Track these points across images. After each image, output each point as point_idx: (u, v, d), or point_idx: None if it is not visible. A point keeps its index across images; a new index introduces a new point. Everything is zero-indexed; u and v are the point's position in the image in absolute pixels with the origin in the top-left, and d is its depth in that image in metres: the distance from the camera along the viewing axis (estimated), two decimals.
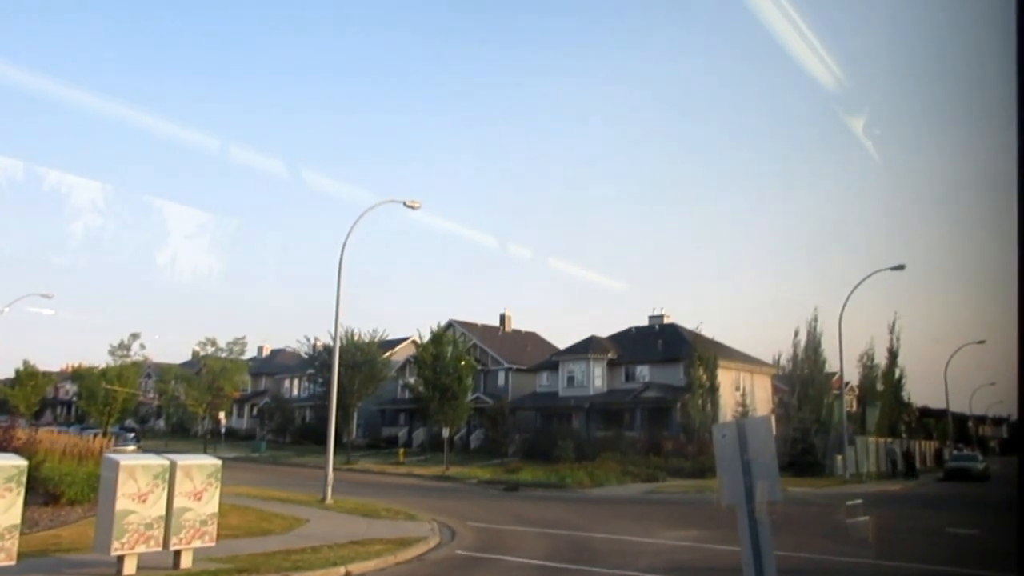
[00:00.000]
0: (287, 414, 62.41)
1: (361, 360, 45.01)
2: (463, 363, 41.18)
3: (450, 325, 59.81)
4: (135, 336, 31.29)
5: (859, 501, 32.43)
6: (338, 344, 23.22)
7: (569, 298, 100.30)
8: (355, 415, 63.61)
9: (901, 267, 36.18)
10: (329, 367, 45.96)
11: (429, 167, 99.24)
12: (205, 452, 54.28)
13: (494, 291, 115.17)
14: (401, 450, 46.14)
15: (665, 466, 37.59)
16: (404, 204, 25.29)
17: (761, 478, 7.50)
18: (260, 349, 72.05)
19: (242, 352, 26.80)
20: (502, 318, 62.28)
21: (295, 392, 62.32)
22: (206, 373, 27.93)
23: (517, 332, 62.37)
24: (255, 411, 66.17)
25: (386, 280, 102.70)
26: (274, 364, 69.71)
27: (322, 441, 53.16)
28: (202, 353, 26.59)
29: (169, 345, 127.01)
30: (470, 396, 55.29)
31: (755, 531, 7.41)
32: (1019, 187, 1.47)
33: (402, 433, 57.47)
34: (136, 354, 31.21)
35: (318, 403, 50.42)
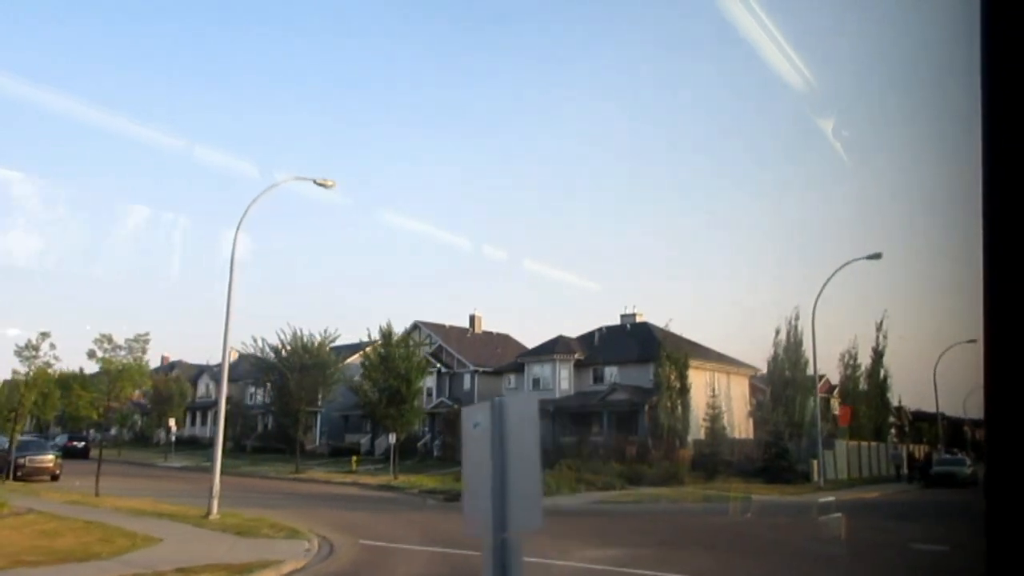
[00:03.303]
0: (249, 421, 59.87)
1: (310, 363, 42.37)
2: (414, 364, 38.53)
3: (415, 326, 57.38)
4: (44, 335, 28.58)
5: (831, 498, 30.30)
6: (227, 347, 20.64)
7: (544, 299, 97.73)
8: (317, 421, 61.27)
9: (878, 255, 33.61)
10: (275, 369, 43.70)
11: (403, 169, 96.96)
12: (165, 461, 51.81)
13: (469, 293, 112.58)
14: (354, 458, 43.46)
15: (628, 472, 34.96)
16: (315, 182, 22.76)
17: (518, 495, 4.92)
18: (228, 354, 69.42)
19: (143, 351, 24.32)
20: (472, 319, 59.70)
21: (259, 398, 59.76)
22: (103, 375, 25.46)
23: (488, 334, 59.78)
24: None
25: (358, 283, 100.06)
26: (240, 370, 67.21)
27: (281, 449, 51.18)
28: (100, 353, 24.13)
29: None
30: (435, 400, 52.94)
31: (506, 563, 4.81)
32: (984, 187, 1.47)
33: (365, 440, 54.81)
34: (45, 355, 28.59)
35: (275, 409, 47.73)
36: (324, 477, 39.60)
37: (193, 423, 68.44)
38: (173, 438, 52.48)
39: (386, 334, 38.85)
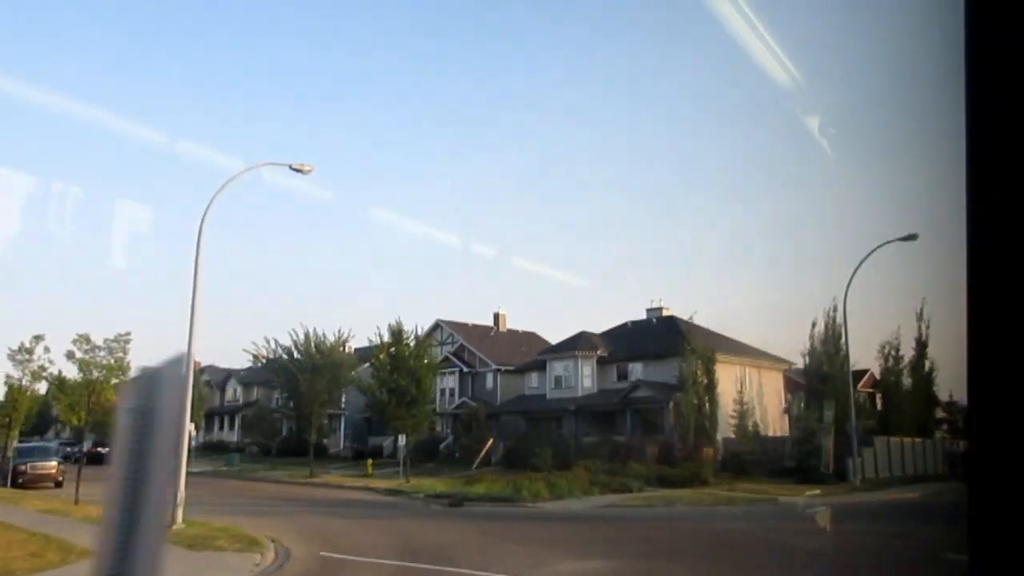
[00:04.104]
0: (273, 424, 59.15)
1: (323, 364, 41.15)
2: (424, 363, 37.02)
3: (437, 326, 56.06)
4: (38, 338, 27.80)
5: (817, 491, 28.59)
6: (192, 347, 19.30)
7: (567, 297, 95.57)
8: (341, 424, 60.29)
9: (913, 236, 31.09)
10: (287, 371, 42.57)
11: (393, 166, 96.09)
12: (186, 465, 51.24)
13: (493, 293, 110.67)
14: (369, 461, 42.13)
15: (649, 473, 32.99)
16: (290, 167, 21.38)
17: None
18: (255, 358, 69.06)
19: (124, 352, 23.25)
20: (496, 317, 58.08)
21: (283, 402, 59.01)
22: (81, 378, 24.55)
23: (513, 332, 58.09)
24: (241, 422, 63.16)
25: (352, 282, 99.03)
26: (267, 374, 66.66)
27: (300, 453, 50.15)
28: (78, 355, 23.15)
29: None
30: (456, 400, 51.45)
31: None
32: (967, 185, 1.50)
33: (388, 443, 53.47)
34: (40, 358, 27.81)
35: (289, 413, 46.68)
36: (337, 481, 38.36)
37: (221, 427, 68.10)
38: (193, 443, 51.77)
39: (396, 332, 37.42)
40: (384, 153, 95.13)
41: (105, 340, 23.46)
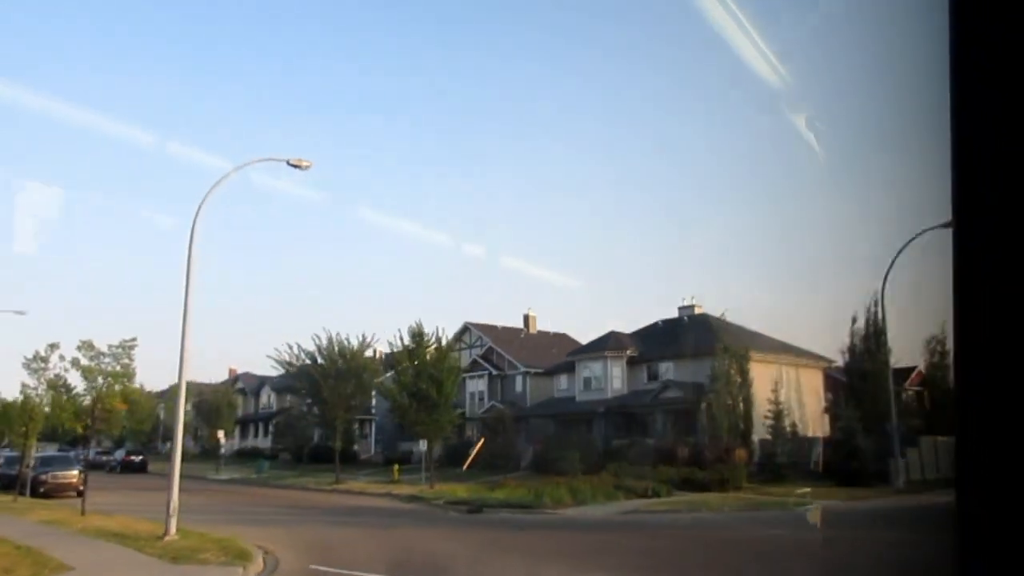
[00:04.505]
0: (303, 431, 58.87)
1: (346, 369, 40.57)
2: (446, 366, 36.14)
3: (465, 328, 55.25)
4: (53, 347, 27.54)
5: (807, 490, 27.36)
6: (185, 353, 18.57)
7: (597, 297, 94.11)
8: (372, 429, 59.79)
9: (951, 224, 29.21)
10: (309, 376, 42.08)
11: (385, 168, 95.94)
12: (216, 473, 51.20)
13: (516, 294, 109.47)
14: (396, 467, 41.40)
15: (679, 477, 31.68)
16: (288, 163, 20.63)
17: None
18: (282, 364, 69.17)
19: (129, 358, 22.69)
20: (526, 319, 57.07)
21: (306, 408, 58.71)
22: (86, 386, 24.11)
23: (543, 334, 57.01)
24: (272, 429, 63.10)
25: (388, 290, 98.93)
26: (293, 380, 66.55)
27: (331, 459, 49.69)
28: (83, 361, 22.70)
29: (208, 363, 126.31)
30: (486, 404, 50.52)
31: None
32: (952, 185, 1.53)
33: (417, 448, 52.72)
34: (55, 367, 27.55)
35: (314, 419, 46.21)
36: (361, 488, 37.69)
37: (255, 434, 68.16)
38: (223, 450, 51.82)
39: (417, 335, 36.61)
40: (379, 155, 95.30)
41: (110, 346, 23.00)
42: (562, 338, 56.79)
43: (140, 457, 55.14)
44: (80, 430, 27.43)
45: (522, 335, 55.40)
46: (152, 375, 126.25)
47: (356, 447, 56.56)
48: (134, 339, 23.61)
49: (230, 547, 16.52)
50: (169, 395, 60.02)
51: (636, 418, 41.24)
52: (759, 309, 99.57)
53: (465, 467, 37.21)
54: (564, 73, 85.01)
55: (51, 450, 68.60)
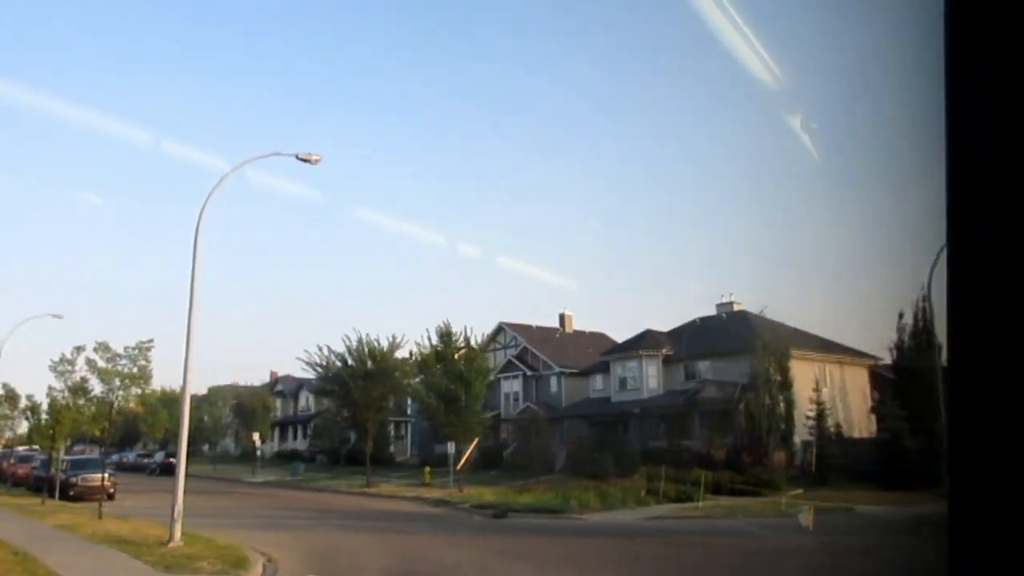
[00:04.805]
0: (340, 433, 58.71)
1: (375, 370, 40.06)
2: (473, 365, 35.37)
3: (500, 328, 54.47)
4: (79, 349, 27.49)
5: (800, 491, 26.18)
6: (190, 355, 18.04)
7: (638, 296, 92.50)
8: (407, 431, 59.37)
9: None
10: (339, 378, 41.68)
11: (377, 166, 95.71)
12: (253, 476, 51.23)
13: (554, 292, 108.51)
14: (426, 470, 40.73)
15: (714, 480, 30.43)
16: (297, 157, 20.05)
17: None
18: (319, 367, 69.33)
19: (146, 360, 22.39)
20: (561, 319, 56.05)
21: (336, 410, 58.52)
22: (102, 391, 23.87)
23: (580, 333, 55.93)
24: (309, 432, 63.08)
25: (416, 292, 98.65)
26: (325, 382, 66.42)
27: (361, 461, 49.31)
28: (100, 364, 22.46)
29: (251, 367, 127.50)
30: (520, 405, 49.65)
31: None
32: (947, 186, 1.53)
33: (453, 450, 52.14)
34: (80, 369, 27.49)
35: (344, 421, 45.82)
36: (391, 491, 37.16)
37: (294, 437, 68.32)
38: (259, 452, 51.85)
39: (444, 335, 35.92)
40: (378, 155, 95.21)
41: (125, 348, 22.74)
42: (599, 337, 55.64)
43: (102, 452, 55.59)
44: (98, 432, 27.32)
45: (557, 335, 54.43)
46: (194, 377, 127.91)
47: (392, 449, 56.19)
48: (150, 341, 23.39)
49: (231, 554, 15.99)
50: (208, 398, 60.44)
51: (672, 419, 39.96)
52: (800, 305, 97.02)
53: (459, 467, 36.58)
54: (561, 73, 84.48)
55: (93, 453, 69.84)
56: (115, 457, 64.04)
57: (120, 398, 23.38)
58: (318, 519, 25.19)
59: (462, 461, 40.69)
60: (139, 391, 23.90)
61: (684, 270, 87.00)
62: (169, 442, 64.32)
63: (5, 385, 34.97)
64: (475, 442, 42.16)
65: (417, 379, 38.43)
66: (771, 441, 34.05)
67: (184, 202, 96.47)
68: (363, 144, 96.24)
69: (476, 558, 16.32)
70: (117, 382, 23.08)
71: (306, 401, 68.99)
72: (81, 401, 25.79)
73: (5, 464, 41.95)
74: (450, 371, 35.01)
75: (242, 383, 69.30)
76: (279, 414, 71.13)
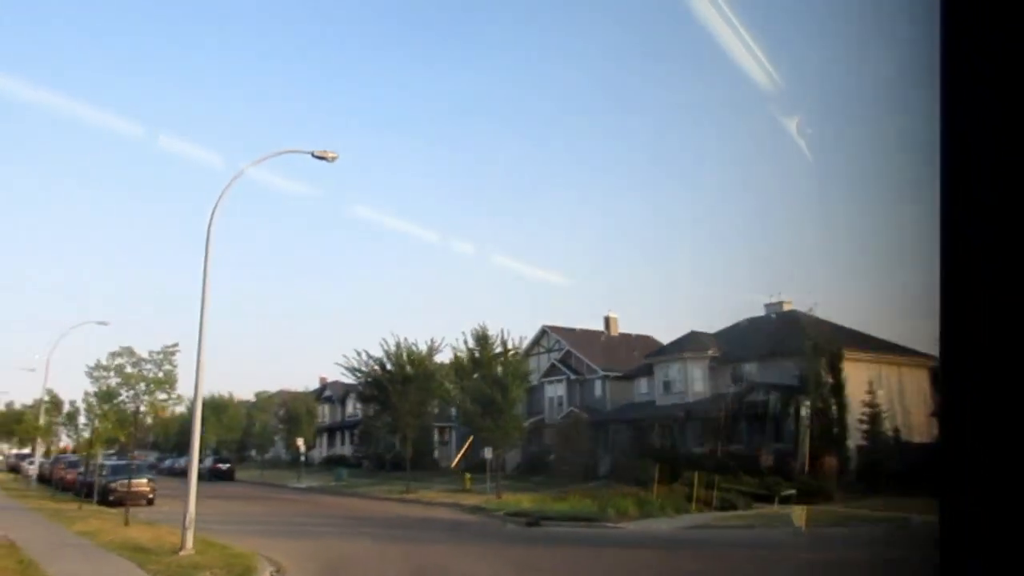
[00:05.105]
0: (383, 439, 58.54)
1: (414, 375, 39.56)
2: (512, 370, 34.57)
3: (543, 332, 53.58)
4: (115, 355, 27.54)
5: (793, 491, 24.82)
6: (201, 361, 17.61)
7: (680, 294, 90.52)
8: (453, 437, 58.77)
9: None
10: (377, 383, 41.30)
11: (370, 164, 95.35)
12: (297, 481, 51.30)
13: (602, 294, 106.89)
14: (467, 476, 40.02)
15: (762, 487, 29.05)
16: (312, 155, 19.58)
17: None
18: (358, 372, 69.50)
19: (172, 364, 22.21)
20: (606, 321, 54.85)
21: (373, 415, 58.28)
22: (127, 396, 23.64)
23: (625, 336, 54.65)
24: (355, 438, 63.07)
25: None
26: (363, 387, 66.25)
27: (414, 467, 48.91)
28: (127, 368, 22.31)
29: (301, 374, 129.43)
30: (564, 410, 48.62)
31: None
32: (941, 184, 1.54)
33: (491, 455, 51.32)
34: (113, 375, 27.49)
35: (383, 426, 45.46)
36: (430, 497, 36.54)
37: (342, 442, 68.44)
38: (303, 458, 51.88)
39: (481, 338, 35.21)
40: (376, 156, 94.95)
41: (151, 352, 22.58)
42: (645, 340, 54.27)
43: (227, 465, 55.88)
44: (123, 438, 27.28)
45: (602, 338, 53.26)
46: (243, 383, 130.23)
47: (436, 455, 55.70)
48: (175, 345, 23.16)
49: (239, 563, 15.50)
50: (257, 404, 60.88)
51: (718, 423, 38.51)
52: (854, 303, 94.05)
53: (453, 465, 35.87)
54: (556, 73, 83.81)
55: (151, 458, 70.99)
56: (167, 462, 64.98)
57: (146, 403, 23.21)
58: (345, 526, 24.66)
59: (455, 459, 40.11)
60: (164, 396, 23.65)
61: (734, 270, 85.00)
62: (219, 448, 65.15)
63: (51, 392, 35.50)
64: (468, 443, 41.41)
65: (454, 384, 37.80)
66: (822, 446, 32.42)
67: (202, 205, 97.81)
68: (361, 145, 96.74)
69: (494, 571, 15.51)
70: (142, 386, 22.91)
71: (353, 407, 69.08)
72: (107, 406, 25.84)
73: (55, 470, 42.64)
74: (487, 375, 34.26)
75: (293, 388, 69.86)
76: (327, 419, 71.40)
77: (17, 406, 53.35)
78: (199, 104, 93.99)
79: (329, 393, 72.46)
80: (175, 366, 23.09)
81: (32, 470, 46.89)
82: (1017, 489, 1.39)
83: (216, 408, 65.37)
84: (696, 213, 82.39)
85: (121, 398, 25.38)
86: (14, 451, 67.02)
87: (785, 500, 25.05)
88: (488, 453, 34.97)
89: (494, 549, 19.33)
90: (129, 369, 22.88)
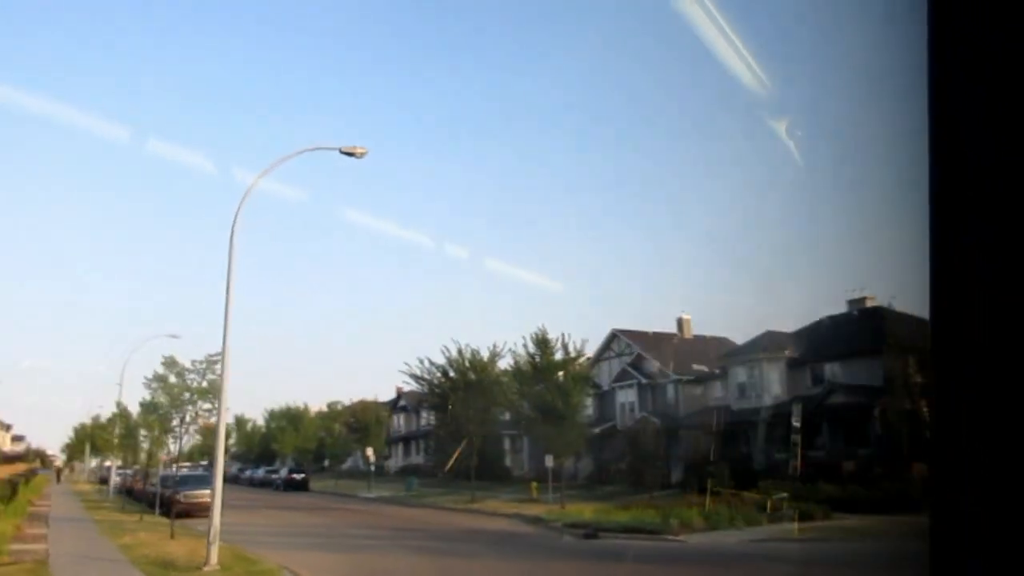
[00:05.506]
0: (453, 448, 57.92)
1: (476, 381, 38.68)
2: (573, 375, 33.23)
3: (613, 336, 51.97)
4: (171, 363, 27.59)
5: (784, 495, 22.55)
6: (228, 364, 16.99)
7: (680, 299, 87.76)
8: (524, 445, 57.61)
9: None
10: (440, 391, 40.57)
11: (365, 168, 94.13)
12: (368, 490, 51.10)
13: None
14: (534, 485, 38.79)
15: (844, 496, 26.90)
16: (340, 151, 18.86)
17: None
18: (420, 380, 69.27)
19: (213, 373, 21.86)
20: (679, 323, 52.81)
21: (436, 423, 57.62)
22: (167, 404, 23.34)
23: (699, 338, 52.45)
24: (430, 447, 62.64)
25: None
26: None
27: (487, 476, 48.00)
28: (171, 378, 22.13)
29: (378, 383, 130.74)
30: (636, 415, 46.90)
31: None
32: (930, 187, 1.55)
33: (569, 463, 49.90)
34: (177, 385, 27.52)
35: (444, 434, 44.67)
36: (494, 508, 35.51)
37: (417, 451, 68.25)
38: (372, 467, 51.67)
39: (541, 342, 33.98)
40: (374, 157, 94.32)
41: (193, 362, 22.33)
42: (722, 342, 51.91)
43: (302, 475, 56.17)
44: (169, 449, 27.21)
45: (675, 340, 51.22)
46: (317, 394, 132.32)
47: (508, 463, 54.70)
48: (218, 354, 22.72)
49: None
50: (331, 414, 61.22)
51: (796, 428, 36.19)
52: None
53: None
54: (548, 78, 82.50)
55: (233, 469, 72.34)
56: (247, 472, 66.06)
57: (190, 413, 23.03)
58: (393, 539, 23.84)
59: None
60: (209, 406, 23.34)
61: (813, 268, 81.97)
62: (299, 458, 65.91)
63: (121, 405, 36.22)
64: (459, 450, 40.00)
65: (515, 390, 36.71)
66: (910, 451, 29.89)
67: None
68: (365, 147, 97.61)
69: None
70: (186, 396, 22.71)
71: (427, 416, 68.88)
72: (152, 417, 25.86)
73: (133, 481, 43.53)
74: (547, 381, 33.03)
75: (367, 398, 70.22)
76: (402, 429, 71.38)
77: (103, 420, 55.10)
78: (192, 108, 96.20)
79: (404, 403, 72.49)
80: (219, 375, 22.74)
81: (116, 482, 48.18)
82: (1014, 489, 1.35)
83: (292, 419, 66.26)
84: (690, 217, 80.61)
85: (166, 409, 25.30)
86: (107, 463, 69.32)
87: (778, 502, 24.39)
88: (549, 461, 33.68)
89: (537, 564, 18.14)
90: (172, 379, 22.68)
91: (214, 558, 16.26)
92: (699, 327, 53.29)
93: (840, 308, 41.06)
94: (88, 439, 54.97)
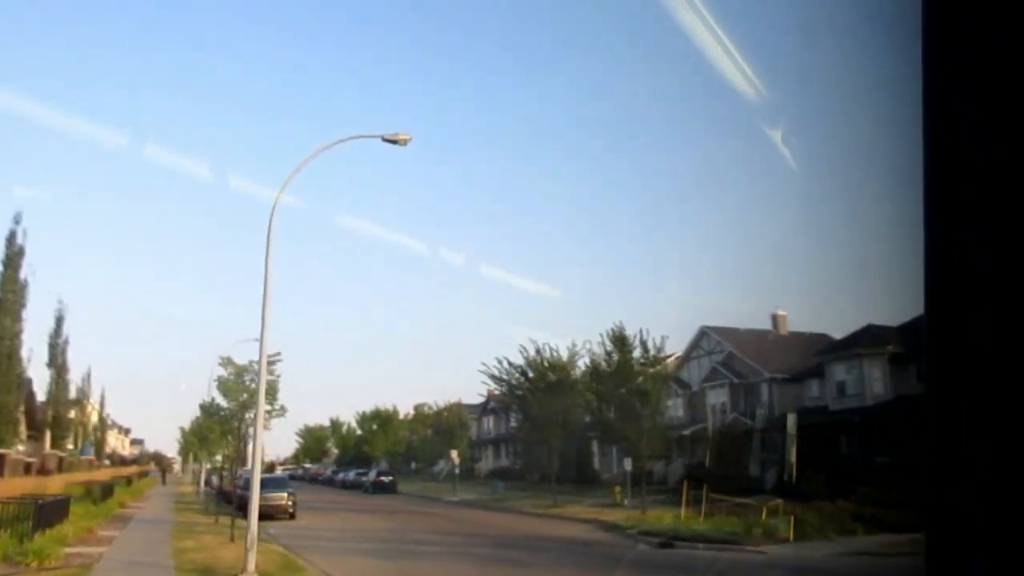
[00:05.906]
0: (540, 451, 56.85)
1: (555, 382, 37.46)
2: (652, 374, 31.56)
3: (703, 333, 49.74)
4: (227, 363, 27.67)
5: (780, 501, 21.26)
6: (264, 361, 16.35)
7: (677, 302, 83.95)
8: (613, 448, 55.88)
9: None
10: (520, 392, 39.49)
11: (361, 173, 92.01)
12: (453, 494, 50.63)
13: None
14: (617, 489, 37.20)
15: None
16: (383, 139, 18.03)
17: None
18: (499, 381, 68.48)
19: (273, 374, 21.47)
20: (774, 319, 50.01)
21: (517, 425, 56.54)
22: (233, 407, 23.01)
23: (796, 335, 49.49)
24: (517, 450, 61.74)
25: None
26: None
27: (578, 480, 46.70)
28: (230, 377, 21.92)
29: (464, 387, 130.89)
30: (728, 416, 44.62)
31: None
32: (924, 193, 1.55)
33: (659, 467, 47.97)
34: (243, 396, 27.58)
35: (525, 437, 43.60)
36: (573, 512, 34.23)
37: (506, 454, 67.61)
38: (456, 471, 51.16)
39: (618, 339, 32.44)
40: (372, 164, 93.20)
41: (250, 362, 22.05)
42: (820, 339, 48.85)
43: (390, 478, 56.24)
44: (228, 451, 27.10)
45: (769, 337, 48.51)
46: (408, 396, 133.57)
47: (597, 466, 53.15)
48: (277, 354, 22.43)
49: None
50: (415, 419, 61.24)
51: (903, 430, 33.28)
52: (841, 306, 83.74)
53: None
54: (544, 86, 79.87)
55: (328, 471, 73.43)
56: (340, 474, 66.84)
57: (249, 415, 22.75)
58: (456, 545, 22.89)
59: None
60: (268, 407, 23.04)
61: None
62: (391, 460, 66.28)
63: (202, 406, 36.72)
64: (538, 447, 38.42)
65: (592, 391, 35.27)
66: None
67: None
68: (354, 155, 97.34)
69: None
70: (244, 397, 22.48)
71: (516, 418, 68.12)
72: (212, 419, 25.84)
73: (222, 483, 44.37)
74: (625, 380, 31.48)
75: (455, 401, 70.08)
76: (492, 432, 70.80)
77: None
78: (187, 112, 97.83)
79: (493, 405, 71.97)
80: (277, 376, 22.49)
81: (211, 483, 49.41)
82: (1013, 489, 1.35)
83: (382, 422, 66.70)
84: (686, 222, 77.42)
85: (225, 410, 25.23)
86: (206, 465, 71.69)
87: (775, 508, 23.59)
88: (628, 465, 32.11)
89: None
90: (229, 378, 22.49)
91: (251, 565, 15.64)
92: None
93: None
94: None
